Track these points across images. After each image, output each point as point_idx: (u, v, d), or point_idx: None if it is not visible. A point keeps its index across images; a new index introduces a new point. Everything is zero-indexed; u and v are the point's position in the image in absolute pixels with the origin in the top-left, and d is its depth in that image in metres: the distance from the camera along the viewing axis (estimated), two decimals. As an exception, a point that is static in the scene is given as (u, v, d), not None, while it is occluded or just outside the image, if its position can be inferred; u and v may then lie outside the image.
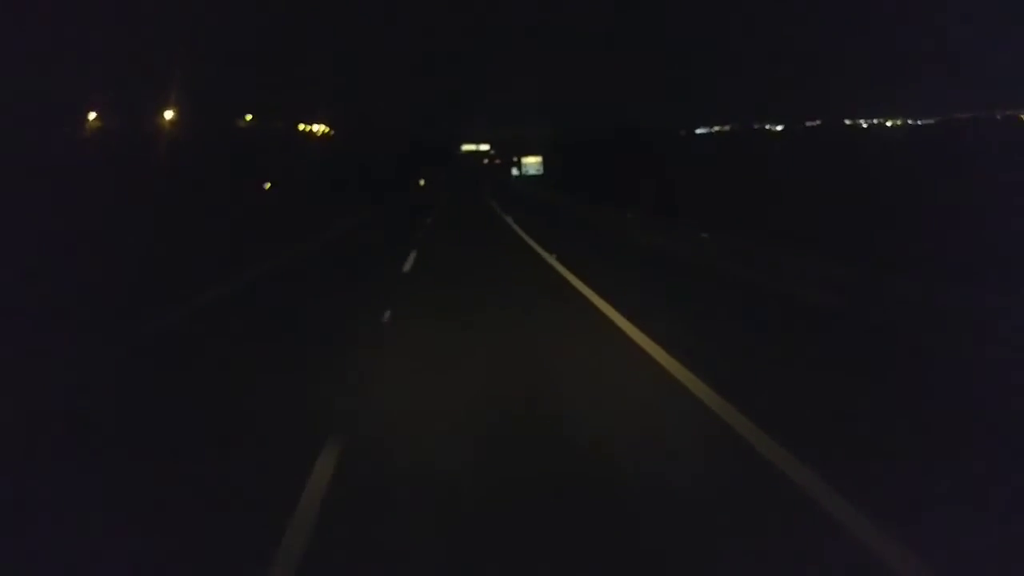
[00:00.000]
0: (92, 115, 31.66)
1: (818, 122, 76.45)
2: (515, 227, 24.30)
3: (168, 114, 36.77)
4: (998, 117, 61.01)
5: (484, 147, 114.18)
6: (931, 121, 68.45)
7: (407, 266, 15.36)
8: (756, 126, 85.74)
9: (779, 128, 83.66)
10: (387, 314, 9.92)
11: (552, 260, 15.34)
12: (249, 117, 51.63)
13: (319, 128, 65.13)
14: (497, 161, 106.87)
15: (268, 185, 29.19)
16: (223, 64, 44.31)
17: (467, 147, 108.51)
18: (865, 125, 74.22)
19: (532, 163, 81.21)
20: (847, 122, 77.86)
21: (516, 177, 79.35)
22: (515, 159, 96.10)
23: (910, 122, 71.59)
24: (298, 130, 61.01)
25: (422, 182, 63.54)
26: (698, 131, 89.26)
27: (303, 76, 62.02)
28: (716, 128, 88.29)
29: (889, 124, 73.46)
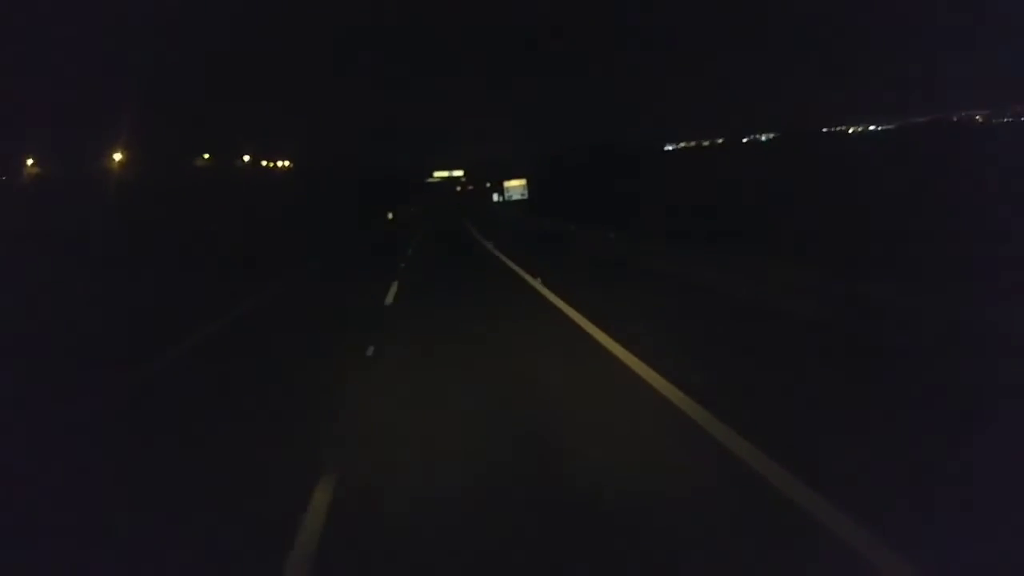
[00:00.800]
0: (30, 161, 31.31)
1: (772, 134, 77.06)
2: (565, 308, 10.89)
3: (117, 156, 36.50)
4: (955, 119, 61.73)
5: (457, 173, 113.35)
6: (891, 127, 69.23)
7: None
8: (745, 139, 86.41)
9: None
10: None
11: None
12: (207, 156, 51.48)
13: (282, 164, 64.93)
14: (470, 188, 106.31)
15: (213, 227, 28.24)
16: (179, 100, 44.09)
17: (439, 174, 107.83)
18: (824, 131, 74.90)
19: (516, 187, 72.54)
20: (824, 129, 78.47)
21: (499, 203, 75.60)
22: (488, 184, 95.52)
23: (871, 128, 72.39)
24: (260, 166, 60.77)
25: (391, 215, 61.46)
26: (667, 147, 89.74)
27: (263, 108, 61.97)
28: (685, 143, 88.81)
29: (851, 131, 74.26)
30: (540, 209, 46.45)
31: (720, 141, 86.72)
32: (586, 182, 52.78)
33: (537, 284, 13.78)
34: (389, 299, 13.32)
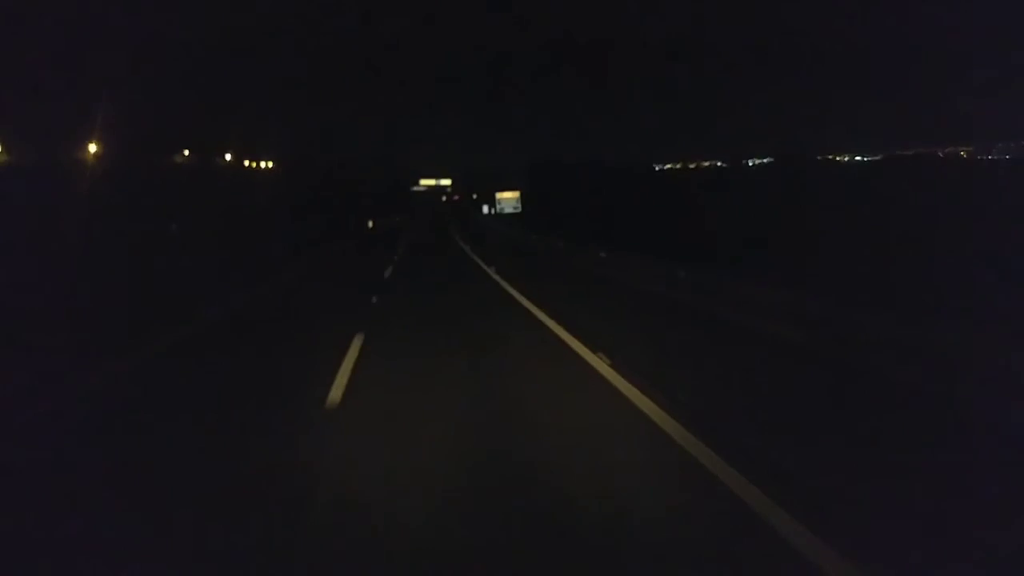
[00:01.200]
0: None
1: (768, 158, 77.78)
2: None
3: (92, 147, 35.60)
4: (940, 155, 62.39)
5: (445, 182, 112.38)
6: (877, 157, 69.96)
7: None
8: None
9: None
10: None
11: None
12: (187, 152, 50.56)
13: (266, 164, 64.11)
14: (456, 197, 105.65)
15: (174, 227, 27.10)
16: (159, 95, 43.29)
17: (426, 182, 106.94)
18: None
19: (509, 199, 69.26)
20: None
21: (490, 215, 71.32)
22: (474, 195, 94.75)
23: (858, 158, 73.13)
24: (243, 166, 59.89)
25: (371, 224, 59.71)
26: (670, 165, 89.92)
27: (247, 105, 61.20)
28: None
29: (839, 160, 74.92)
30: (538, 225, 42.23)
31: (706, 164, 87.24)
32: (597, 199, 50.09)
33: (603, 366, 7.98)
34: (336, 392, 7.24)
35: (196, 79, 52.71)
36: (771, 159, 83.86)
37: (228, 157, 56.73)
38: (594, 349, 8.94)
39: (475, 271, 21.90)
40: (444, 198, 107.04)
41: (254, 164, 62.48)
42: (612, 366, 8.00)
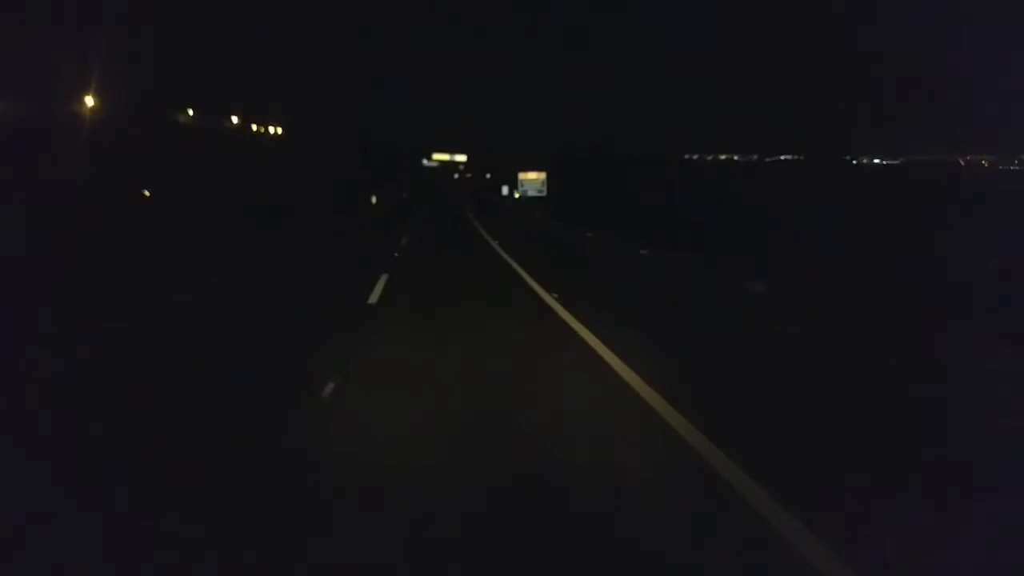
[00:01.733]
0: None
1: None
2: None
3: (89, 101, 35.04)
4: (962, 163, 61.05)
5: (460, 157, 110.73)
6: (896, 162, 68.63)
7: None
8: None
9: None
10: None
11: None
12: (191, 112, 49.94)
13: (274, 129, 63.46)
14: (468, 175, 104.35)
15: (148, 193, 25.88)
16: (165, 53, 42.62)
17: (439, 156, 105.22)
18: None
19: (533, 181, 63.17)
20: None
21: (512, 198, 65.46)
22: (488, 175, 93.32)
23: (876, 161, 71.72)
24: (250, 130, 59.24)
25: (374, 199, 57.08)
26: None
27: (254, 65, 60.38)
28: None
29: (855, 162, 73.61)
30: (571, 214, 32.56)
31: (734, 157, 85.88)
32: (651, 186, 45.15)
33: None
34: None
35: (208, 35, 51.97)
36: (793, 156, 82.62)
37: (235, 120, 56.04)
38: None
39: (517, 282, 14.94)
40: (456, 175, 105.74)
41: (263, 129, 61.83)
42: None
